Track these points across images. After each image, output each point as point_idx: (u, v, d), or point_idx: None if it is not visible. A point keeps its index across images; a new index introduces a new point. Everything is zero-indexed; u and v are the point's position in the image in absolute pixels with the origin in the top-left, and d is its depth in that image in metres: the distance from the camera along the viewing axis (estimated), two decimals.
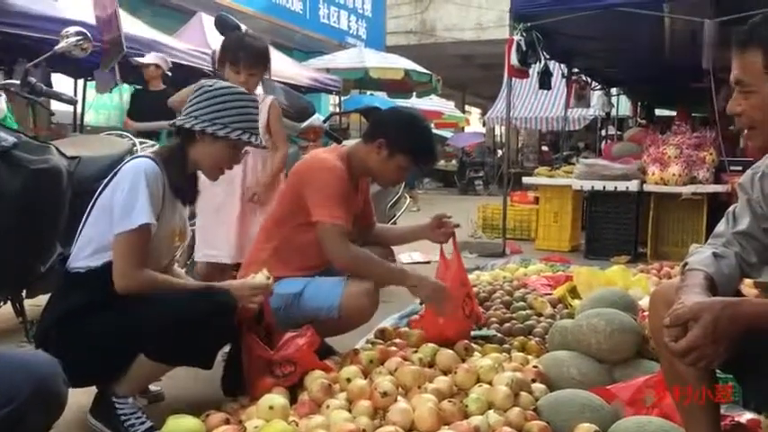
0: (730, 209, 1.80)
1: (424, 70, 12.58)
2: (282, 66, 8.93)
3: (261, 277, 2.38)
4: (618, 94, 11.68)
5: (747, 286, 4.02)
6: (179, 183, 2.25)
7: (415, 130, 2.82)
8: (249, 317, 2.36)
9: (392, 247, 3.12)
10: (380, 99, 13.16)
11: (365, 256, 2.71)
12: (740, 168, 6.21)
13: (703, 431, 1.71)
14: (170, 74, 6.17)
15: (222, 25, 3.89)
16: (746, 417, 1.96)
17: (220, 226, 3.34)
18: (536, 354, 2.80)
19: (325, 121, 4.75)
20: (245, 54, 3.17)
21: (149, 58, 6.08)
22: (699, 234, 6.28)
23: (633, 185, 6.41)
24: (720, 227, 1.79)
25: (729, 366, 1.67)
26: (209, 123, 2.22)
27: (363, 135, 2.90)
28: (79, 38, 3.43)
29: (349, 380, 2.24)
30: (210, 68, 6.07)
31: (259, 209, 3.32)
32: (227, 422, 2.00)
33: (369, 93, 14.48)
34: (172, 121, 2.35)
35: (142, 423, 2.15)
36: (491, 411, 2.09)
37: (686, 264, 1.69)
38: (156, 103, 5.15)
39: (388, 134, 2.76)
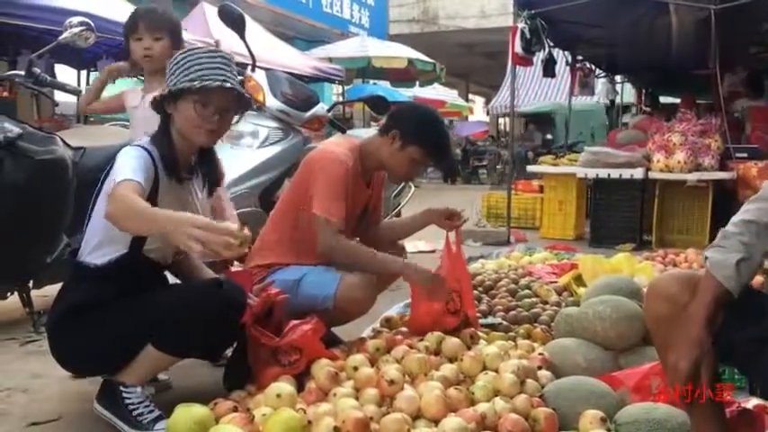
0: None
1: (428, 59, 12.54)
2: (285, 55, 8.92)
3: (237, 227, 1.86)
4: (622, 82, 11.60)
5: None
6: (171, 163, 2.17)
7: (431, 124, 2.83)
8: (258, 312, 2.35)
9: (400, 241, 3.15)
10: (383, 88, 13.11)
11: (349, 246, 2.69)
12: (745, 155, 6.19)
13: (709, 418, 1.71)
14: None
15: (225, 15, 3.85)
16: (753, 402, 1.97)
17: None
18: (542, 341, 2.80)
19: (329, 111, 4.73)
20: (143, 19, 2.90)
21: None
22: (704, 221, 6.27)
23: (638, 173, 6.38)
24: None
25: (728, 358, 1.67)
26: (165, 91, 2.17)
27: (380, 128, 2.91)
28: (83, 28, 3.43)
29: (356, 368, 2.25)
30: None
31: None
32: (235, 410, 2.00)
33: (372, 82, 14.43)
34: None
35: (150, 412, 2.14)
36: (497, 398, 2.10)
37: (716, 245, 1.61)
38: None
39: (403, 125, 2.77)
